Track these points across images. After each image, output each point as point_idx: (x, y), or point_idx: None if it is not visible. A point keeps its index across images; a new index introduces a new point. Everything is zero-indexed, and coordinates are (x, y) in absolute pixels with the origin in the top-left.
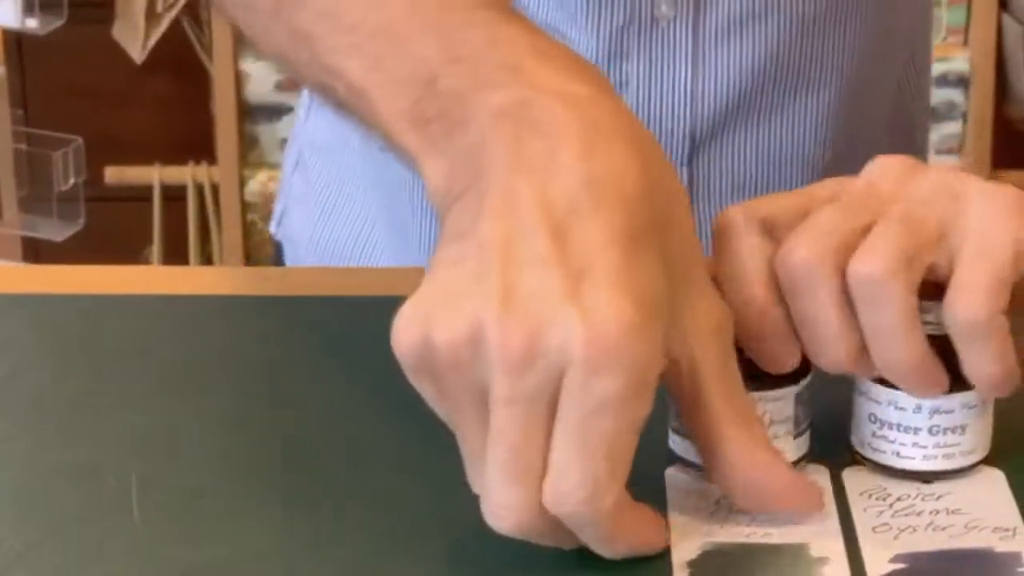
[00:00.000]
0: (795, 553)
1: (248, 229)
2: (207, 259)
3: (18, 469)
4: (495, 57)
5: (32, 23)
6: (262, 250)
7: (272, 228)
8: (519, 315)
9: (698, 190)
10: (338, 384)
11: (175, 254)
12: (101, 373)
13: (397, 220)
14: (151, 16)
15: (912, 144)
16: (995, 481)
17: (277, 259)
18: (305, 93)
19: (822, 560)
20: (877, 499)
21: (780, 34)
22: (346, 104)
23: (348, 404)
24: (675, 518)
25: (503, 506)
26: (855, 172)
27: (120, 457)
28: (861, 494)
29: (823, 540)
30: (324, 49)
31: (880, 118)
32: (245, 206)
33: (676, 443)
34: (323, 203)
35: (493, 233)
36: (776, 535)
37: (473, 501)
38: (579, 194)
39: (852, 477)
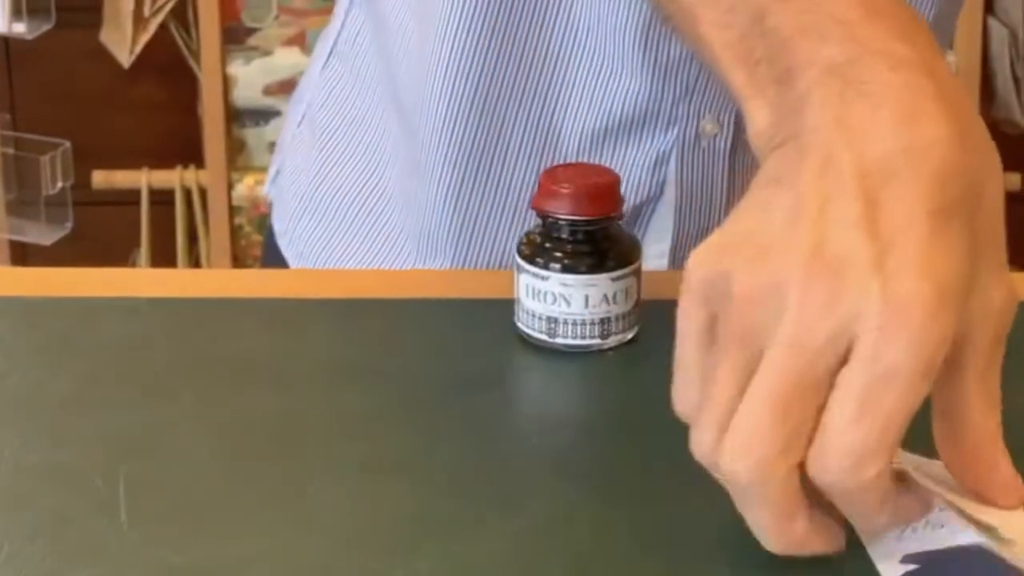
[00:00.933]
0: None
1: (235, 233)
2: (195, 262)
3: (5, 471)
4: (825, 5)
5: (20, 27)
6: (249, 253)
7: (266, 189)
8: (824, 273)
9: (742, 139)
10: (328, 386)
11: (163, 257)
12: (89, 375)
13: (411, 162)
14: (138, 20)
15: None
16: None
17: (266, 223)
18: (326, 42)
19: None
20: None
21: None
22: (673, 17)
23: (339, 407)
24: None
25: (755, 453)
26: None
27: (108, 459)
28: None
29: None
30: None
31: None
32: (232, 210)
33: None
34: (330, 152)
35: (810, 190)
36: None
37: (472, 506)
38: (896, 162)
39: None
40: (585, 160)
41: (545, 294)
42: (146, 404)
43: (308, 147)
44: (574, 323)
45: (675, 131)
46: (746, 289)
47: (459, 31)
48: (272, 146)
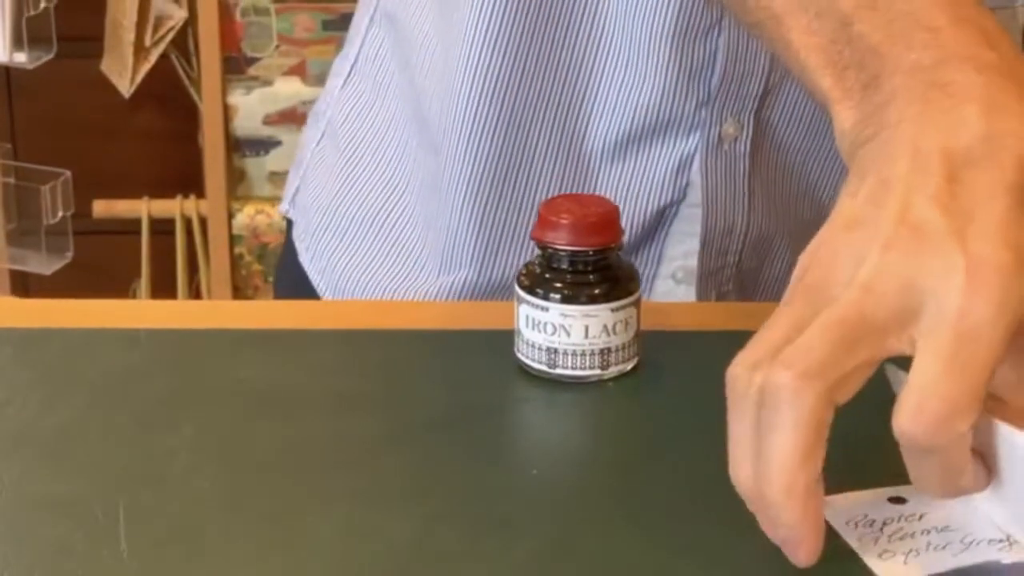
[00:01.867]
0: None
1: (236, 262)
2: (195, 292)
3: (5, 501)
4: (912, 14)
5: (21, 57)
6: (250, 283)
7: (284, 207)
8: (907, 234)
9: (761, 140)
10: (328, 416)
11: (163, 287)
12: (88, 406)
13: (433, 178)
14: (139, 50)
15: None
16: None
17: (287, 240)
18: (346, 61)
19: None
20: (864, 526)
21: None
22: (761, 24)
23: (338, 436)
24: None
25: (799, 364)
26: None
27: (108, 489)
28: (847, 523)
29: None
30: None
31: None
32: (233, 239)
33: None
34: (353, 167)
35: (896, 171)
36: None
37: (471, 536)
38: (977, 147)
39: (828, 505)
40: (611, 167)
41: (545, 325)
42: (146, 434)
43: (331, 163)
44: (574, 354)
45: (698, 135)
46: (828, 253)
47: (484, 46)
48: (273, 176)
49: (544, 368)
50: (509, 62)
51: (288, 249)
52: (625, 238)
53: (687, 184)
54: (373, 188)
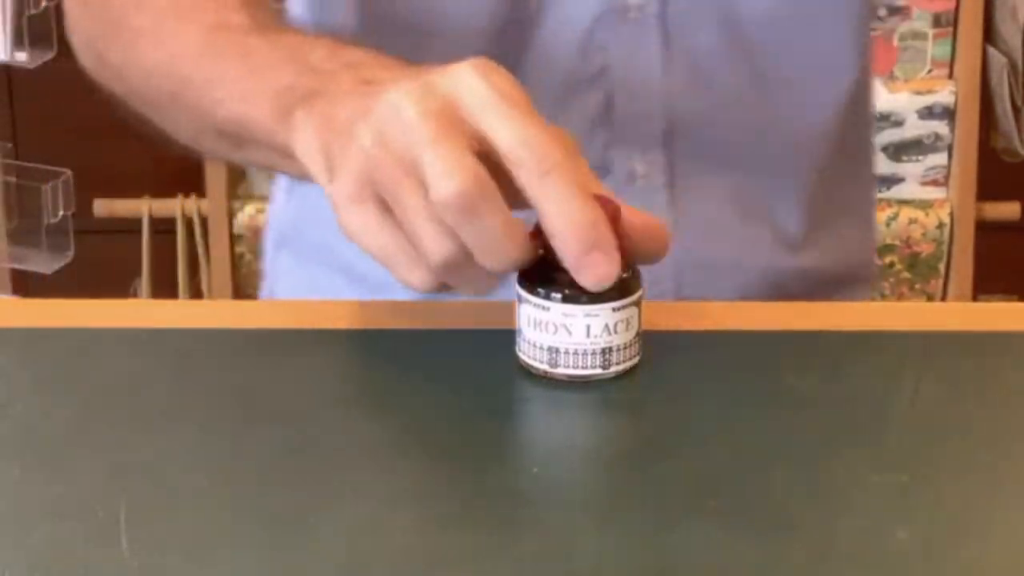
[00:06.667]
0: None
1: (237, 262)
2: (196, 291)
3: (6, 501)
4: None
5: (21, 56)
6: (251, 282)
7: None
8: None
9: (676, 171)
10: (330, 416)
11: (164, 286)
12: (89, 406)
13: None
14: None
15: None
16: None
17: None
18: (282, 178)
19: None
20: None
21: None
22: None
23: (340, 437)
24: None
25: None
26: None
27: (108, 489)
28: None
29: None
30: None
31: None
32: (234, 239)
33: None
34: (311, 278)
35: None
36: None
37: (473, 536)
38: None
39: None
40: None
41: (547, 324)
42: (147, 434)
43: (292, 270)
44: (575, 353)
45: (610, 175)
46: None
47: None
48: (272, 175)
49: (545, 368)
50: None
51: None
52: None
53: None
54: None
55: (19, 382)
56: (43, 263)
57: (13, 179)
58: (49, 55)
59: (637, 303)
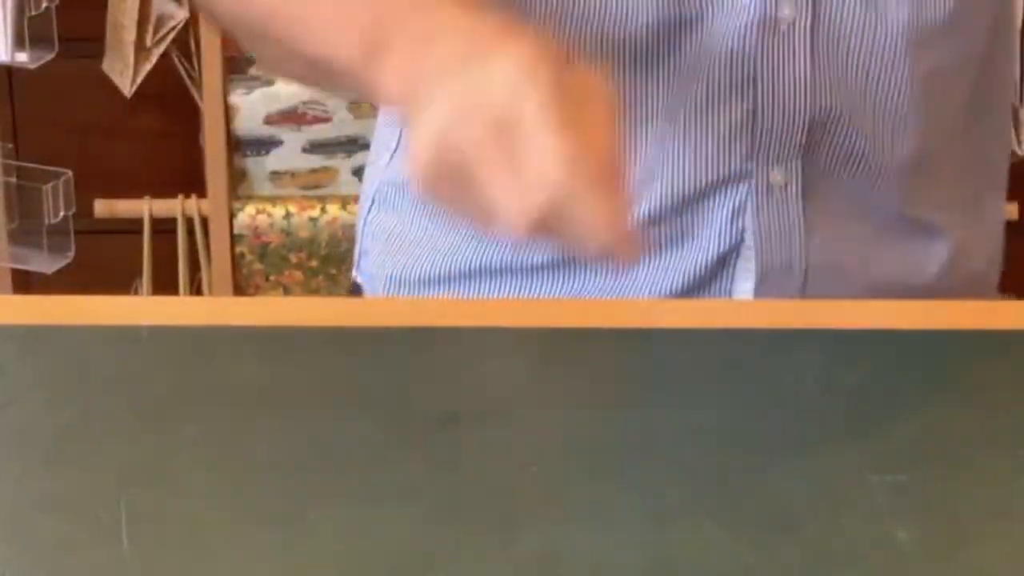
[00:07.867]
0: None
1: (237, 261)
2: (196, 291)
3: (7, 499)
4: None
5: (22, 57)
6: (251, 282)
7: (353, 272)
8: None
9: (813, 180)
10: (329, 415)
11: (164, 286)
12: (90, 403)
13: (483, 250)
14: (140, 50)
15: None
16: None
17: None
18: (386, 135)
19: None
20: None
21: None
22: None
23: (340, 435)
24: None
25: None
26: None
27: (109, 487)
28: None
29: None
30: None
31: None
32: (234, 239)
33: None
34: (408, 237)
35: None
36: None
37: (471, 534)
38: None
39: None
40: (669, 221)
41: None
42: (147, 432)
43: (388, 231)
44: None
45: (747, 185)
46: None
47: None
48: (274, 175)
49: None
50: None
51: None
52: (692, 279)
53: (743, 230)
54: (427, 260)
55: (20, 379)
56: (44, 263)
57: (13, 179)
58: (49, 55)
59: None
